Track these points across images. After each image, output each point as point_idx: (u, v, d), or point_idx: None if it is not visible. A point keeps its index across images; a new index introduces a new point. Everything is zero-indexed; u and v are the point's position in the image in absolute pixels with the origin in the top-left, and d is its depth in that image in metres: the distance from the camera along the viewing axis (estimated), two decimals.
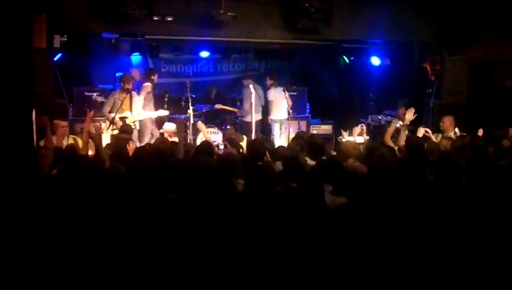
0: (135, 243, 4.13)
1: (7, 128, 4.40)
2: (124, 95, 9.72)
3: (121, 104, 9.64)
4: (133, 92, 9.95)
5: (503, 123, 8.62)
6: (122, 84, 9.90)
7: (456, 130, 8.79)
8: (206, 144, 7.06)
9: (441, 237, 4.43)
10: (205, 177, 5.21)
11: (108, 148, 7.11)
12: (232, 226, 4.23)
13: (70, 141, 8.19)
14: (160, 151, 6.34)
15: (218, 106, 12.46)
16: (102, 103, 10.22)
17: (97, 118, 9.56)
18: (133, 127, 9.51)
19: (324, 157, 6.46)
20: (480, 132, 8.26)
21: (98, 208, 4.47)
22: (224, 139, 7.58)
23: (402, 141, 7.68)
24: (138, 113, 9.89)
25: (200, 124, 8.35)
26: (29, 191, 4.32)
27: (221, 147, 8.07)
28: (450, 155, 6.22)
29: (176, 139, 8.23)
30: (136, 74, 11.34)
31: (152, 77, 11.04)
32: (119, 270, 4.03)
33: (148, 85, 10.55)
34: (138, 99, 10.07)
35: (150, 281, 4.03)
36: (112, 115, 9.55)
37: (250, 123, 11.41)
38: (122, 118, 9.59)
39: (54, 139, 7.63)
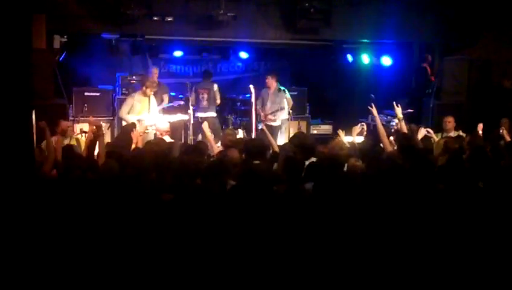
0: (130, 243, 4.15)
1: (6, 130, 4.40)
2: (144, 98, 9.70)
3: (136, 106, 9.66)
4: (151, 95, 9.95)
5: None
6: (144, 88, 9.73)
7: (461, 133, 8.76)
8: (200, 145, 7.08)
9: (441, 237, 4.44)
10: (195, 177, 5.23)
11: (108, 147, 7.15)
12: (222, 226, 4.25)
13: (73, 142, 8.19)
14: (154, 152, 6.32)
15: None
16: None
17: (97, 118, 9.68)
18: (148, 130, 9.53)
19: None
20: (480, 127, 8.27)
21: (93, 207, 4.48)
22: (223, 143, 7.54)
23: (404, 129, 7.90)
24: (155, 117, 9.86)
25: (205, 126, 8.36)
26: (28, 192, 4.32)
27: None
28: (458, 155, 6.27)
29: (168, 138, 8.27)
30: (155, 72, 11.25)
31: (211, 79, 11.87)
32: (114, 269, 4.04)
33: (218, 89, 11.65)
34: (155, 103, 10.06)
35: (145, 280, 4.04)
36: (130, 117, 9.52)
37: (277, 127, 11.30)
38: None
39: (56, 140, 7.63)
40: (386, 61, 12.51)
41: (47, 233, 4.22)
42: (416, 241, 4.37)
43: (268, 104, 11.17)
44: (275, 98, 11.17)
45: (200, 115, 11.31)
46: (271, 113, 11.08)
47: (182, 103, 11.31)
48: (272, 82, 11.24)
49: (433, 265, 4.26)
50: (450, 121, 8.98)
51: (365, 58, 12.84)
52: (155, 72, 11.25)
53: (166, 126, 9.43)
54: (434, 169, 5.67)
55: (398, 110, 8.25)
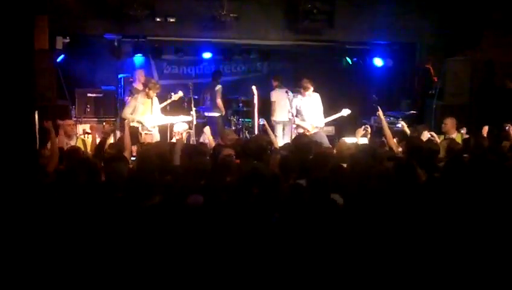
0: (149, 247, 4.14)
1: (9, 131, 4.39)
2: (147, 100, 9.71)
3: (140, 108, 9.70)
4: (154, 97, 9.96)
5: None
6: (147, 90, 9.73)
7: (463, 131, 8.74)
8: (201, 146, 7.12)
9: (442, 238, 4.42)
10: (200, 178, 5.25)
11: (111, 148, 7.15)
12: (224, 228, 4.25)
13: (79, 142, 8.19)
14: (157, 154, 6.33)
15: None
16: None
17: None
18: (151, 131, 9.60)
19: None
20: (485, 130, 8.25)
21: (98, 211, 4.47)
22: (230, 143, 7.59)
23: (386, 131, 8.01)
24: (157, 118, 9.87)
25: (207, 129, 8.41)
26: (31, 193, 4.31)
27: None
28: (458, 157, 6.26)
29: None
30: (140, 74, 11.34)
31: (218, 80, 12.03)
32: (120, 272, 4.04)
33: (219, 89, 11.83)
34: (158, 104, 10.08)
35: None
36: (134, 117, 9.54)
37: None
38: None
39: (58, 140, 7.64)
40: (389, 62, 12.51)
41: (51, 236, 4.20)
42: (415, 242, 4.36)
43: (308, 113, 10.32)
44: (315, 103, 10.42)
45: (206, 114, 11.91)
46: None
47: (181, 94, 11.32)
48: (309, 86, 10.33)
49: (433, 267, 4.24)
50: (446, 123, 8.93)
51: (368, 59, 12.83)
52: (141, 74, 11.32)
53: (181, 128, 9.44)
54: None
55: (380, 113, 8.47)
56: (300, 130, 10.11)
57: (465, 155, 6.89)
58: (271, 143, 7.52)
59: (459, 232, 4.49)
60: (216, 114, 11.90)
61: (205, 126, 8.89)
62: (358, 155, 6.31)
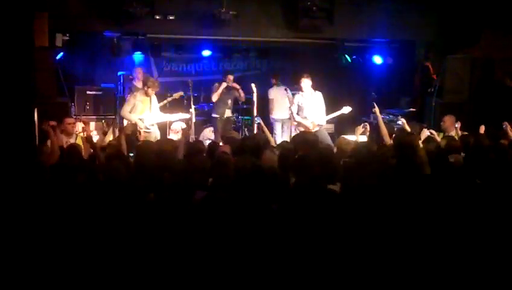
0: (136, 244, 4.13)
1: (9, 128, 4.40)
2: (146, 98, 9.74)
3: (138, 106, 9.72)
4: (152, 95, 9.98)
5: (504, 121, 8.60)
6: (146, 88, 9.79)
7: (457, 125, 8.75)
8: (199, 144, 7.13)
9: (440, 237, 4.42)
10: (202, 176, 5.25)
11: (109, 146, 7.15)
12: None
13: (79, 140, 8.21)
14: (162, 151, 6.34)
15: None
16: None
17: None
18: (150, 129, 9.62)
19: None
20: (482, 129, 8.27)
21: (99, 209, 4.46)
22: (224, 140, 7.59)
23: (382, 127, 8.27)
24: (156, 116, 9.88)
25: (207, 131, 8.44)
26: (29, 190, 4.32)
27: None
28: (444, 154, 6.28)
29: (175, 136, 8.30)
30: (139, 72, 11.36)
31: (223, 78, 11.56)
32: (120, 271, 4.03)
33: (215, 86, 11.32)
34: (156, 102, 10.08)
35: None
36: (133, 116, 9.56)
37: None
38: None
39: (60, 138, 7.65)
40: (388, 59, 12.52)
41: (51, 234, 4.20)
42: (412, 240, 4.36)
43: (310, 111, 10.32)
44: (317, 101, 10.45)
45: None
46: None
47: (181, 93, 11.35)
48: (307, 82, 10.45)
49: (430, 264, 4.24)
50: (445, 121, 8.96)
51: (367, 57, 12.83)
52: (140, 72, 11.34)
53: (179, 127, 9.48)
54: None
55: (377, 110, 8.66)
56: (302, 129, 10.09)
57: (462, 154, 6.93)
58: (267, 141, 7.52)
59: (458, 230, 4.50)
60: (214, 115, 11.51)
61: (205, 124, 8.93)
62: (361, 150, 6.31)
